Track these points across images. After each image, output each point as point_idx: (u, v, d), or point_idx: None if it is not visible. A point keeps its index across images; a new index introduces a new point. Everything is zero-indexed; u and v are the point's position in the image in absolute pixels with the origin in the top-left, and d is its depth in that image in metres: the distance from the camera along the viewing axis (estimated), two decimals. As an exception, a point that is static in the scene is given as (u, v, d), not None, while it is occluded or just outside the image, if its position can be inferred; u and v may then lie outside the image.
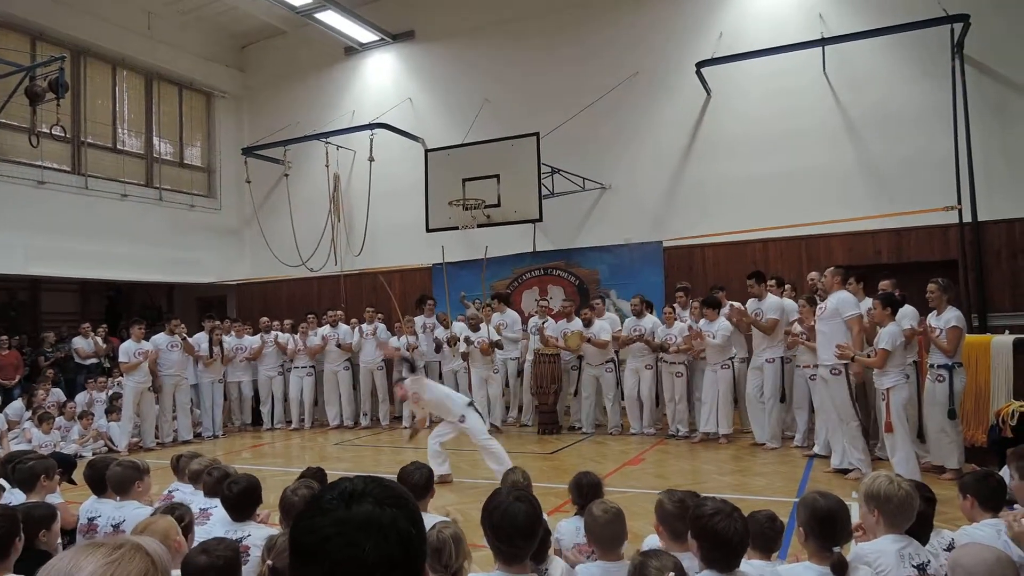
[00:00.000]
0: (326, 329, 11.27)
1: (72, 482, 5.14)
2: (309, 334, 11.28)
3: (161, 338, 10.30)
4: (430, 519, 3.46)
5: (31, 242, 11.39)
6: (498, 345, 9.69)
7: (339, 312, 11.61)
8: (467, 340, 9.89)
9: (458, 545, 2.60)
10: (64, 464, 5.05)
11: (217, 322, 11.26)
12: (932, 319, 6.40)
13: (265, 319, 11.77)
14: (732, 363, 8.45)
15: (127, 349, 9.82)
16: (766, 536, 2.87)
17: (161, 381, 10.09)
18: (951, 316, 6.26)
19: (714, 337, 8.33)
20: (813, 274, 8.23)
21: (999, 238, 9.41)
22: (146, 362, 9.78)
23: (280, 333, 11.52)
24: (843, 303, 6.56)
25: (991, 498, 3.19)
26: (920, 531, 2.77)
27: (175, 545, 2.72)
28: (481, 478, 6.90)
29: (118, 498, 4.00)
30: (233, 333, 11.44)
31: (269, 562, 2.58)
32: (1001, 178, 9.37)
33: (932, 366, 6.33)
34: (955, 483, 5.96)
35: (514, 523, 2.31)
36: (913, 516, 2.70)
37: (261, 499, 3.64)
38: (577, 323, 9.66)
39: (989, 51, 9.46)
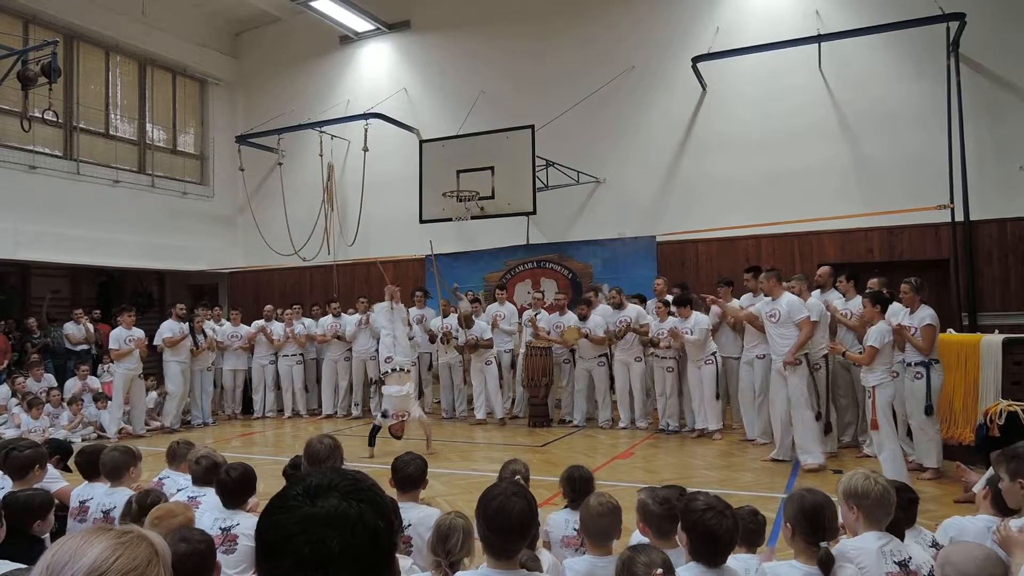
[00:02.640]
0: (328, 319, 11.25)
1: (68, 469, 5.13)
2: (293, 322, 11.28)
3: (170, 325, 10.43)
4: (420, 510, 3.48)
5: (21, 227, 11.30)
6: (485, 345, 9.73)
7: (338, 305, 11.56)
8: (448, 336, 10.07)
9: (466, 538, 2.61)
10: (60, 451, 5.04)
11: (197, 311, 11.21)
12: (906, 318, 6.45)
13: (269, 307, 11.74)
14: (715, 358, 8.44)
15: (118, 336, 9.77)
16: (750, 531, 2.91)
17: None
18: (925, 314, 6.31)
19: (691, 333, 8.35)
20: (823, 269, 8.16)
21: (991, 237, 9.47)
22: (136, 349, 9.75)
23: (276, 322, 11.50)
24: (793, 307, 6.93)
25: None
26: (895, 531, 2.80)
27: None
28: (471, 470, 6.93)
29: (109, 484, 4.00)
30: (229, 322, 11.44)
31: None
32: (994, 177, 9.42)
33: (909, 364, 6.37)
34: (934, 482, 6.05)
35: (508, 518, 2.31)
36: (892, 511, 2.71)
37: (255, 489, 3.63)
38: (570, 316, 9.69)
39: (984, 50, 9.49)
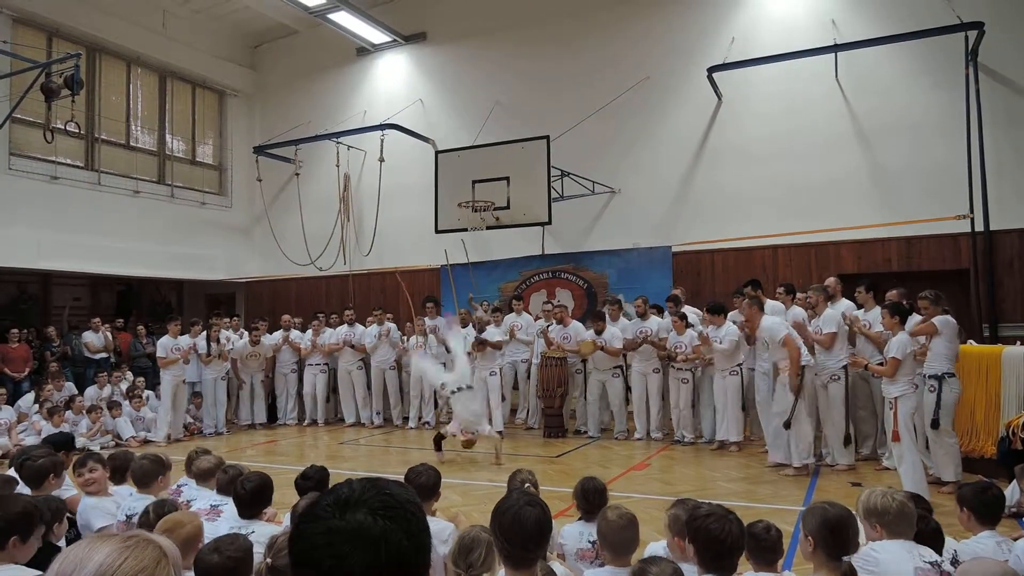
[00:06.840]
0: (343, 329, 11.33)
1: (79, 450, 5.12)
2: (320, 332, 11.38)
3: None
4: (433, 523, 3.48)
5: (43, 236, 11.46)
6: (493, 345, 9.70)
7: (352, 312, 11.64)
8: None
9: (489, 553, 2.57)
10: (64, 445, 4.99)
11: (213, 319, 11.33)
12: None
13: (287, 316, 11.97)
14: (740, 369, 8.36)
15: (165, 344, 10.14)
16: (765, 547, 2.76)
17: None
18: (936, 320, 6.30)
19: (721, 343, 8.28)
20: (830, 280, 8.13)
21: (1011, 247, 9.35)
22: (182, 358, 10.11)
23: (294, 331, 11.63)
24: (769, 331, 7.20)
25: (989, 511, 3.20)
26: (933, 544, 2.77)
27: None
28: (485, 480, 6.92)
29: (135, 491, 4.04)
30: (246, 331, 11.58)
31: (268, 560, 2.60)
32: (1014, 187, 9.31)
33: (924, 376, 6.30)
34: (953, 495, 5.95)
35: (525, 527, 2.31)
36: (913, 525, 2.71)
37: (271, 499, 3.66)
38: (575, 327, 9.71)
39: (1003, 59, 9.40)
